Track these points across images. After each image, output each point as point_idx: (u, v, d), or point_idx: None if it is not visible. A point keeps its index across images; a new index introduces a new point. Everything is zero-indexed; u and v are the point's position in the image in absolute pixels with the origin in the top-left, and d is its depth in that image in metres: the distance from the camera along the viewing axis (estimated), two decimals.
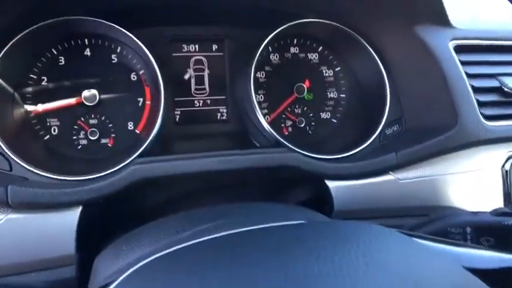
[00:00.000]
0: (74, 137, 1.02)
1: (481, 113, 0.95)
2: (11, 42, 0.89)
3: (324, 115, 1.18)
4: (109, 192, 0.83)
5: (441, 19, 0.98)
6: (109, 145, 1.04)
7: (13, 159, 0.84)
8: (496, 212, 0.72)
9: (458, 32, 1.00)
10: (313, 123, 1.17)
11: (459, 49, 0.98)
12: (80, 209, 0.82)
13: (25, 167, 0.84)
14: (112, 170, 0.87)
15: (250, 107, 1.01)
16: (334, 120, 1.18)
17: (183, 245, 0.53)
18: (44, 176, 0.85)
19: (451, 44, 0.98)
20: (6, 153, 0.84)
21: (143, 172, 0.85)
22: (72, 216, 0.81)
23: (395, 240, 0.53)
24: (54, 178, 0.85)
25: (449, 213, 0.76)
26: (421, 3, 0.93)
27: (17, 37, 0.90)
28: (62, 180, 0.85)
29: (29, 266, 0.78)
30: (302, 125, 1.15)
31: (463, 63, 0.96)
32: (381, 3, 0.97)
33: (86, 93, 1.01)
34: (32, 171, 0.85)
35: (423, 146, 0.93)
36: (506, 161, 0.98)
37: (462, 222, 0.72)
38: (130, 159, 0.89)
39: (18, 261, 0.78)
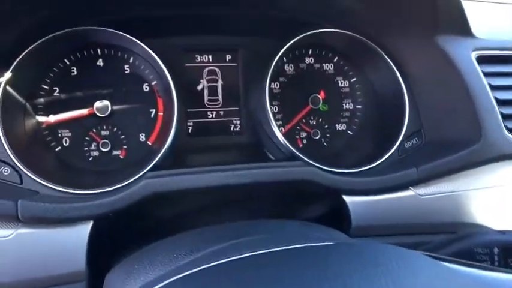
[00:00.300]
0: (86, 149, 1.01)
1: (505, 126, 0.91)
2: (24, 53, 0.88)
3: (339, 127, 1.15)
4: (120, 207, 0.81)
5: (463, 28, 0.95)
6: (121, 157, 1.02)
7: (24, 172, 0.83)
8: None
9: (481, 42, 0.97)
10: (328, 135, 1.14)
11: (482, 60, 0.95)
12: (90, 223, 0.80)
13: (36, 180, 0.83)
14: (124, 183, 0.85)
15: (264, 119, 0.99)
16: (350, 132, 1.15)
17: (201, 267, 0.51)
18: (55, 189, 0.83)
19: (474, 55, 0.94)
20: (17, 166, 0.83)
21: (155, 186, 0.83)
22: (82, 231, 0.79)
23: (423, 264, 0.50)
24: (64, 191, 0.83)
25: (475, 232, 0.73)
26: (443, 12, 0.90)
27: (30, 47, 0.89)
28: (73, 193, 0.84)
29: (39, 282, 0.76)
30: (317, 137, 1.12)
31: (486, 74, 0.93)
32: (401, 12, 0.94)
33: (98, 104, 0.99)
34: (43, 185, 0.83)
35: (445, 160, 0.90)
36: None
37: (489, 242, 0.69)
38: (142, 172, 0.87)
39: (28, 278, 0.76)
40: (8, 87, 0.87)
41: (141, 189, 0.82)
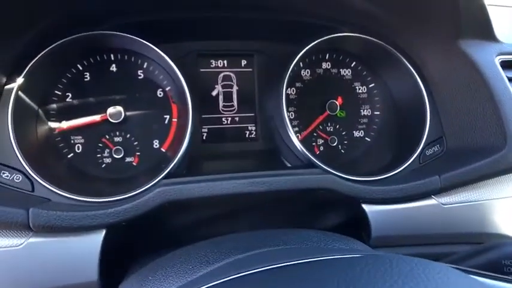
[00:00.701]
0: (98, 155, 0.99)
1: None
2: (37, 57, 0.87)
3: (357, 133, 1.12)
4: (134, 216, 0.79)
5: (486, 32, 0.93)
6: (134, 164, 1.01)
7: (36, 179, 0.81)
8: None
9: (505, 46, 0.94)
10: (345, 142, 1.11)
11: (506, 64, 0.92)
12: (103, 232, 0.78)
13: (48, 188, 0.81)
14: (137, 191, 0.83)
15: (281, 125, 0.96)
16: (368, 139, 1.12)
17: (218, 281, 0.48)
18: (67, 197, 0.81)
19: (497, 59, 0.92)
20: (29, 173, 0.81)
21: (169, 195, 0.81)
22: (95, 240, 0.77)
23: (452, 278, 0.47)
24: (77, 199, 0.81)
25: (502, 243, 0.69)
26: (466, 16, 0.87)
27: (43, 52, 0.87)
28: (85, 201, 0.82)
29: None
30: (334, 144, 1.10)
31: (511, 79, 0.90)
32: (421, 16, 0.91)
33: (111, 110, 0.98)
34: (55, 192, 0.81)
35: (469, 168, 0.87)
36: None
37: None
38: (156, 180, 0.85)
39: None
40: (20, 93, 0.85)
41: (155, 198, 0.80)
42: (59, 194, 0.81)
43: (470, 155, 0.89)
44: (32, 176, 0.81)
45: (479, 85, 0.89)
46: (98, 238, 0.77)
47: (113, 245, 0.79)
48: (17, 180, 0.81)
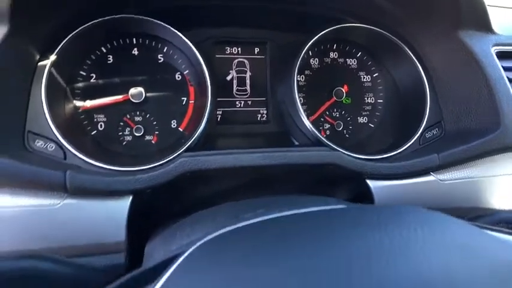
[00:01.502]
0: (120, 133, 1.05)
1: None
2: (67, 38, 0.93)
3: (361, 119, 1.19)
4: (158, 183, 0.85)
5: (484, 24, 1.00)
6: (152, 142, 1.07)
7: (67, 148, 0.87)
8: None
9: (501, 38, 1.02)
10: (350, 127, 1.18)
11: (501, 55, 0.99)
12: (130, 198, 0.84)
13: (78, 156, 0.87)
14: (161, 162, 0.89)
15: (293, 108, 1.03)
16: (372, 125, 1.19)
17: (244, 223, 0.55)
18: (95, 165, 0.87)
19: (494, 50, 0.99)
20: (61, 142, 0.87)
21: (190, 165, 0.87)
22: (123, 204, 0.83)
23: (452, 223, 0.53)
24: (105, 168, 0.87)
25: (496, 211, 0.76)
26: (466, 8, 0.95)
27: (73, 33, 0.94)
28: (112, 170, 0.88)
29: (82, 250, 0.80)
30: (340, 129, 1.17)
31: (506, 69, 0.98)
32: (425, 8, 0.99)
33: (132, 90, 1.04)
34: (84, 160, 0.87)
35: (465, 147, 0.94)
36: None
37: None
38: (177, 153, 0.91)
39: (72, 245, 0.80)
40: (52, 69, 0.92)
41: (178, 167, 0.87)
42: (88, 162, 0.87)
43: (467, 137, 0.97)
44: (64, 145, 0.87)
45: (476, 73, 0.97)
46: (125, 202, 0.83)
47: (139, 210, 0.85)
48: (50, 149, 0.87)
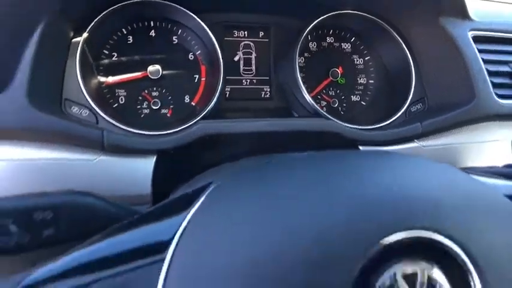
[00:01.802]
0: (138, 107, 1.17)
1: (495, 93, 1.10)
2: (97, 18, 1.05)
3: (354, 98, 1.33)
4: (179, 144, 0.98)
5: (462, 12, 1.15)
6: (168, 115, 1.19)
7: (98, 113, 0.99)
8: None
9: (477, 24, 1.16)
10: (344, 105, 1.32)
11: (477, 39, 1.14)
12: (155, 157, 0.97)
13: (108, 121, 0.99)
14: (182, 127, 1.01)
15: (294, 85, 1.17)
16: (363, 103, 1.33)
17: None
18: (124, 129, 0.99)
19: (470, 34, 1.14)
20: (94, 108, 0.99)
21: (209, 129, 1.00)
22: (149, 162, 0.96)
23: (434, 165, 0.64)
24: (133, 132, 1.00)
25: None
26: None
27: (101, 15, 1.06)
28: (138, 133, 1.00)
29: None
30: (335, 106, 1.31)
31: (480, 51, 1.13)
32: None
33: (151, 68, 1.16)
34: (114, 125, 0.99)
35: (444, 117, 1.09)
36: None
37: (479, 171, 0.86)
38: (195, 120, 1.04)
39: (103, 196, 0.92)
40: (84, 46, 1.04)
41: (197, 131, 1.00)
42: (118, 127, 0.99)
43: (446, 109, 1.11)
44: (96, 111, 0.99)
45: (455, 55, 1.12)
46: (151, 161, 0.96)
47: (162, 169, 0.98)
48: (84, 115, 0.99)
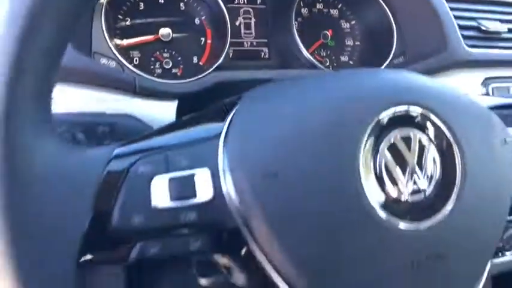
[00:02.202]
0: (152, 67, 1.30)
1: (465, 43, 1.29)
2: None
3: (343, 58, 1.49)
4: (196, 90, 1.12)
5: None
6: (178, 74, 1.33)
7: (124, 63, 1.12)
8: None
9: None
10: (335, 64, 1.48)
11: None
12: (176, 101, 1.11)
13: (133, 70, 1.13)
14: (198, 76, 1.16)
15: (292, 42, 1.33)
16: (351, 62, 1.50)
17: None
18: (148, 78, 1.13)
19: None
20: (120, 60, 1.13)
21: (223, 77, 1.15)
22: (172, 105, 1.09)
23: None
24: (155, 81, 1.13)
25: None
26: None
27: None
28: (160, 82, 1.13)
29: None
30: (327, 65, 1.47)
31: (452, 8, 1.31)
32: None
33: (162, 30, 1.29)
34: (138, 74, 1.13)
35: (422, 64, 1.27)
36: (482, 83, 1.33)
37: None
38: (208, 71, 1.18)
39: None
40: (107, 6, 1.17)
41: (212, 78, 1.14)
42: (142, 76, 1.13)
43: (423, 59, 1.29)
44: (122, 63, 1.12)
45: (429, 11, 1.29)
46: (173, 104, 1.10)
47: (184, 111, 1.12)
48: (112, 65, 1.12)
